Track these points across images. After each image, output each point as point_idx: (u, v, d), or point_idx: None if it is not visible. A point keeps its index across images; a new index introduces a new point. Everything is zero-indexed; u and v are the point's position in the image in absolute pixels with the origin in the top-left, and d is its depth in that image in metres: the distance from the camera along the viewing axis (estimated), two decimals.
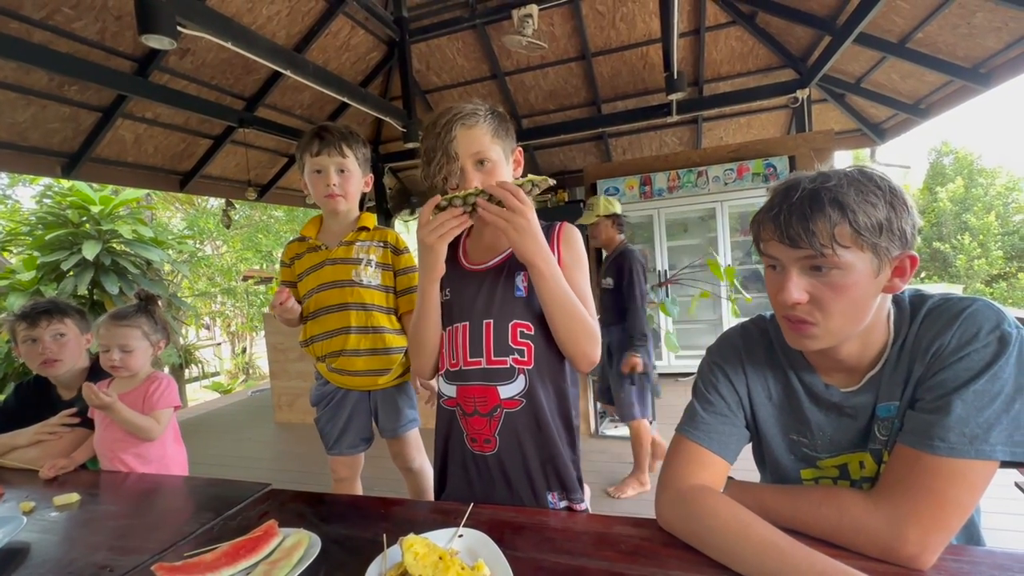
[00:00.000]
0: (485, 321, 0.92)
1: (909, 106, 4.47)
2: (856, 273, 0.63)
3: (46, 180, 5.54)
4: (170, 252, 6.24)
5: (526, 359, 0.91)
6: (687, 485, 0.72)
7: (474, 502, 0.86)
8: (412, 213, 6.66)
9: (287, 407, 4.32)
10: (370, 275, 1.49)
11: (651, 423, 2.65)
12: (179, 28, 2.27)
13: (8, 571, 0.81)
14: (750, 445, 0.83)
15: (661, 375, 4.52)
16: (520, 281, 0.92)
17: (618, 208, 2.63)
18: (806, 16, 4.08)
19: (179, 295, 6.63)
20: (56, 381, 1.51)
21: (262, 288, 10.88)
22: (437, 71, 5.42)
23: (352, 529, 0.83)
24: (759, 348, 0.79)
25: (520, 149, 1.00)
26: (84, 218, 4.93)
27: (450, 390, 0.96)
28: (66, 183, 4.85)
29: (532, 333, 0.92)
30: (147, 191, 6.87)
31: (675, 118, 4.58)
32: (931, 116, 4.38)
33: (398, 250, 1.54)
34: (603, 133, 5.89)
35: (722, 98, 4.80)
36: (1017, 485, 1.55)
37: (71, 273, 4.57)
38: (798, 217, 0.63)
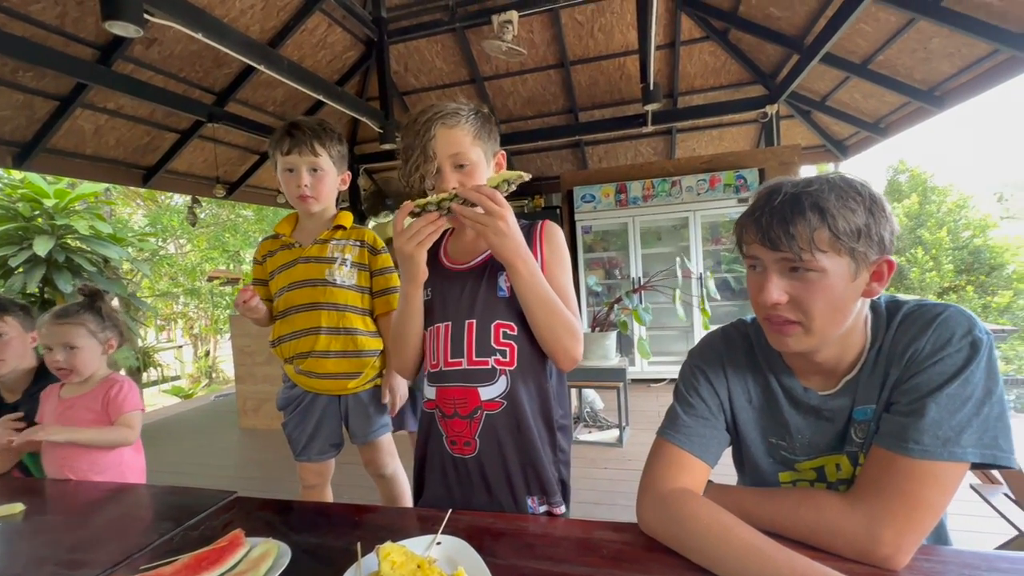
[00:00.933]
0: (467, 321, 0.91)
1: (870, 124, 4.68)
2: (832, 276, 0.64)
3: None
4: (130, 250, 5.98)
5: (508, 360, 0.90)
6: (668, 489, 0.72)
7: (453, 507, 0.84)
8: (388, 215, 6.57)
9: (253, 412, 4.17)
10: (344, 275, 1.44)
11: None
12: (146, 16, 2.17)
13: None
14: (729, 448, 0.84)
15: (634, 381, 4.58)
16: (503, 281, 0.91)
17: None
18: (776, 35, 4.23)
19: (139, 295, 6.35)
20: None
21: (228, 289, 10.52)
22: (415, 73, 5.38)
23: (324, 538, 0.80)
24: (740, 352, 0.80)
25: (503, 153, 0.99)
26: (36, 212, 4.68)
27: (430, 392, 0.94)
28: (17, 174, 4.59)
29: (515, 334, 0.90)
30: (107, 185, 6.55)
31: (650, 128, 4.68)
32: (890, 135, 4.60)
33: (375, 250, 1.49)
34: (580, 141, 5.96)
35: (695, 110, 4.93)
36: (973, 487, 1.61)
37: (20, 270, 4.32)
38: (779, 220, 0.64)
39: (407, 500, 1.59)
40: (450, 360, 0.91)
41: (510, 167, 0.90)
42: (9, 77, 3.15)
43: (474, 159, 0.89)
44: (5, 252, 4.26)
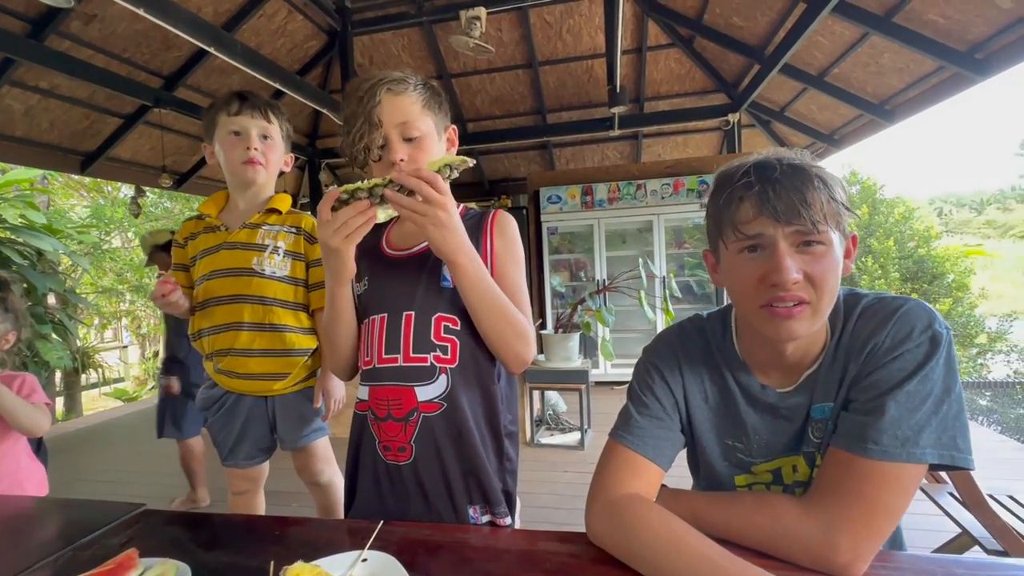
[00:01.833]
0: (405, 313, 0.83)
1: (825, 136, 4.85)
2: (835, 250, 0.62)
3: None
4: (68, 243, 5.58)
5: (449, 357, 0.82)
6: (618, 495, 0.67)
7: (386, 518, 0.76)
8: None
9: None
10: (275, 265, 1.30)
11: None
12: None
13: None
14: (684, 451, 0.80)
15: (597, 383, 4.58)
16: (447, 270, 0.83)
17: None
18: (738, 44, 4.33)
19: (78, 291, 5.93)
20: None
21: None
22: (380, 66, 5.24)
23: (237, 556, 0.70)
24: (696, 348, 0.76)
25: (454, 128, 0.92)
26: None
27: (363, 392, 0.86)
28: None
29: (458, 328, 0.83)
30: (41, 172, 6.10)
31: (617, 132, 4.70)
32: (843, 146, 4.78)
33: (313, 238, 1.35)
34: (548, 142, 5.95)
35: (661, 116, 5.00)
36: (921, 488, 1.64)
37: None
38: (789, 190, 0.60)
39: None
40: (384, 356, 0.83)
41: (476, 168, 0.82)
42: None
43: (424, 129, 0.82)
44: None
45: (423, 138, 0.82)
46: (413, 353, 0.82)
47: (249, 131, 1.26)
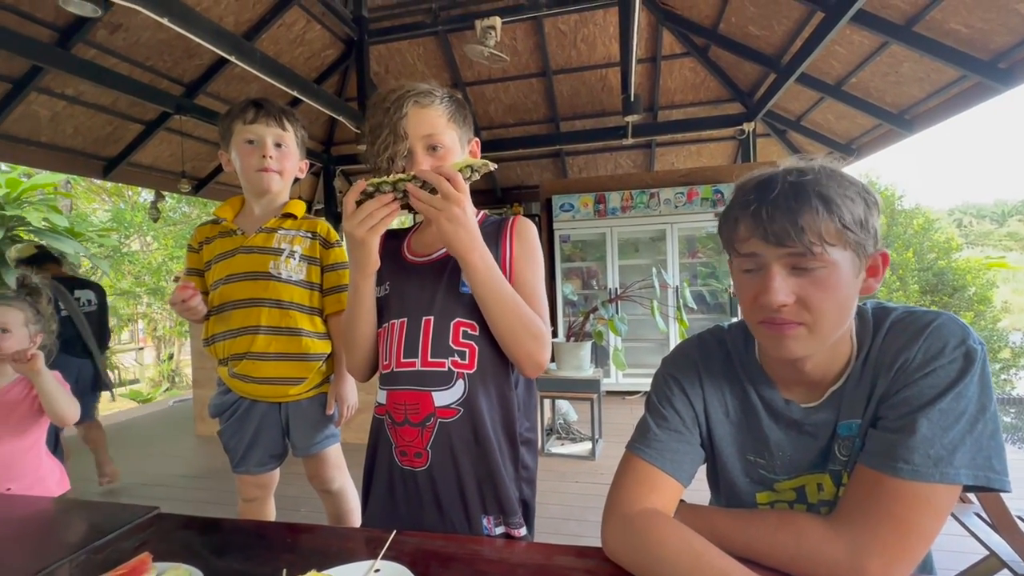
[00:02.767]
0: (424, 318, 0.83)
1: (842, 146, 4.79)
2: (841, 271, 0.58)
3: None
4: (89, 245, 5.70)
5: (467, 362, 0.82)
6: (636, 510, 0.65)
7: (400, 525, 0.75)
8: None
9: (210, 418, 3.96)
10: (292, 269, 1.30)
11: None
12: None
13: None
14: (704, 466, 0.78)
15: (609, 393, 4.53)
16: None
17: None
18: (754, 53, 4.31)
19: None
20: None
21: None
22: (396, 75, 5.31)
23: (249, 563, 0.70)
24: (717, 361, 0.74)
25: (477, 140, 0.93)
26: None
27: (381, 396, 0.86)
28: None
29: (476, 334, 0.83)
30: (65, 176, 6.25)
31: (630, 141, 4.69)
32: (861, 156, 4.72)
33: (328, 243, 1.36)
34: (560, 150, 5.96)
35: (675, 125, 4.98)
36: None
37: None
38: (783, 212, 0.58)
39: (356, 518, 1.47)
40: (403, 360, 0.82)
41: (489, 175, 0.83)
42: None
43: (447, 143, 0.83)
44: None
45: (447, 152, 0.83)
46: (431, 357, 0.81)
47: (264, 139, 1.27)
